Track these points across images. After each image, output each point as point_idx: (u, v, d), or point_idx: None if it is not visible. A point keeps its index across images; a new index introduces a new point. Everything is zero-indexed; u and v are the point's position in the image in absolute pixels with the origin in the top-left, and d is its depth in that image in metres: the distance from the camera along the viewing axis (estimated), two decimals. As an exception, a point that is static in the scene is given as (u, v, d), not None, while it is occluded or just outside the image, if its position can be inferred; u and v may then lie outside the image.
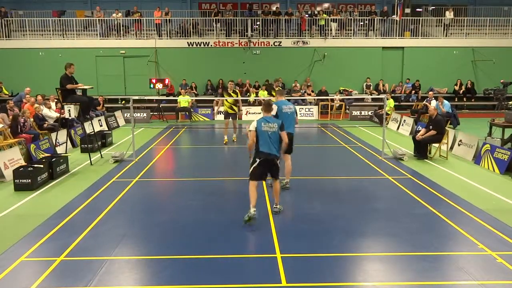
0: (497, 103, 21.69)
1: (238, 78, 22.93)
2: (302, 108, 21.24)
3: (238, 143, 13.91)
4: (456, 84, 22.98)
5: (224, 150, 13.25)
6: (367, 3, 26.19)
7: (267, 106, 7.01)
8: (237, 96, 13.36)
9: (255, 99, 21.31)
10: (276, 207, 7.11)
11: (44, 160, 9.75)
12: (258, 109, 20.95)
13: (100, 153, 12.05)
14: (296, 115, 8.67)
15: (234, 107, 13.44)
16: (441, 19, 24.14)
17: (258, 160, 6.73)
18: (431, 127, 11.40)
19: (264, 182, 8.62)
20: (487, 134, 13.14)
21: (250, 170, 6.82)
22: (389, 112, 17.76)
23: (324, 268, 5.26)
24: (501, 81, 21.74)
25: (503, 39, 23.82)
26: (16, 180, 8.66)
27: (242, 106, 20.74)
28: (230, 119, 13.60)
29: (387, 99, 15.90)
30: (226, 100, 13.23)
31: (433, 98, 18.04)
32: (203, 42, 23.12)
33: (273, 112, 8.20)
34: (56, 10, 24.11)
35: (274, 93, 11.13)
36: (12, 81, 21.99)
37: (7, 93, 21.55)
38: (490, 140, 12.24)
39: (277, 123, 6.86)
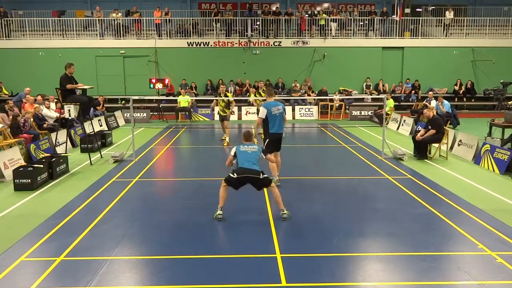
0: (497, 103, 21.69)
1: (238, 78, 22.96)
2: (302, 108, 21.26)
3: (239, 142, 13.92)
4: (456, 84, 22.99)
5: (224, 150, 13.24)
6: (367, 3, 26.19)
7: (247, 136, 7.30)
8: (228, 100, 13.59)
9: (255, 99, 21.30)
10: (284, 214, 6.89)
11: (44, 160, 9.75)
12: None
13: (100, 153, 12.05)
14: (285, 113, 8.64)
15: (226, 110, 13.72)
16: (441, 19, 24.16)
17: (235, 175, 6.74)
18: (429, 126, 11.42)
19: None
20: (487, 134, 13.14)
21: (227, 175, 6.86)
22: (389, 112, 17.76)
23: (324, 268, 5.26)
24: (501, 81, 21.74)
25: (503, 39, 23.83)
26: (16, 180, 8.65)
27: (242, 106, 20.86)
28: (223, 123, 13.91)
29: (387, 99, 15.90)
30: (219, 103, 13.57)
31: (433, 98, 18.05)
32: (203, 42, 23.12)
33: (262, 115, 8.36)
34: (56, 10, 24.11)
35: (263, 94, 11.21)
36: (12, 81, 22.00)
37: (7, 93, 21.55)
38: (490, 140, 12.25)
39: (258, 147, 7.08)
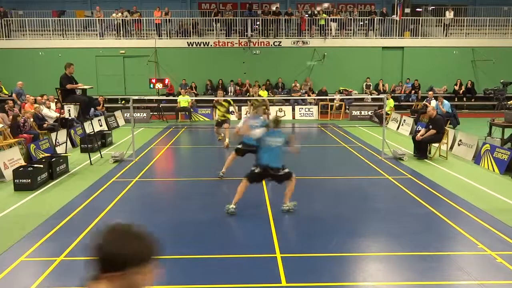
0: (497, 103, 21.67)
1: (238, 78, 22.95)
2: (302, 108, 21.26)
3: (239, 142, 13.93)
4: (456, 84, 22.97)
5: (224, 150, 13.24)
6: (367, 3, 26.18)
7: (276, 123, 7.04)
8: (229, 105, 13.43)
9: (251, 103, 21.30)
10: (285, 206, 7.05)
11: (44, 160, 9.75)
12: (258, 109, 20.93)
13: (100, 153, 12.04)
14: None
15: (227, 115, 13.41)
16: (441, 19, 24.15)
17: (258, 169, 6.86)
18: (430, 126, 11.41)
19: (264, 182, 8.63)
20: (487, 134, 13.14)
21: (249, 172, 6.96)
22: (389, 112, 17.76)
23: (324, 268, 5.26)
24: (501, 81, 21.73)
25: (503, 39, 23.82)
26: (16, 180, 8.65)
27: (242, 106, 20.82)
28: (222, 126, 13.46)
29: (387, 99, 15.90)
30: (218, 109, 13.39)
31: (433, 98, 18.05)
32: (203, 42, 23.11)
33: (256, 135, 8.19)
34: (56, 10, 24.11)
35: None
36: (12, 81, 21.89)
37: (6, 93, 21.52)
38: (490, 140, 12.25)
39: (282, 139, 6.91)
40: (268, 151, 6.81)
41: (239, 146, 8.79)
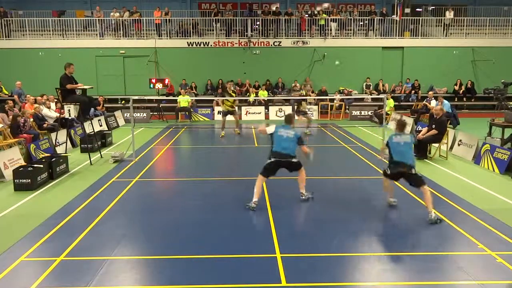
0: (497, 103, 21.66)
1: (238, 78, 22.96)
2: (302, 108, 21.26)
3: (239, 142, 13.97)
4: (456, 84, 22.97)
5: (224, 150, 13.25)
6: (367, 3, 26.18)
7: (288, 119, 7.68)
8: (236, 95, 14.18)
9: (255, 99, 21.33)
10: (303, 196, 7.72)
11: (44, 160, 9.75)
12: (258, 109, 20.99)
13: (100, 153, 12.05)
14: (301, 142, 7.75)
15: (234, 105, 14.76)
16: (441, 19, 24.14)
17: (270, 160, 7.32)
18: (433, 126, 11.38)
19: (264, 184, 8.63)
20: (487, 134, 13.14)
21: (263, 167, 7.38)
22: (389, 112, 17.76)
23: (324, 268, 5.26)
24: (502, 81, 21.71)
25: (503, 39, 23.81)
26: (16, 180, 8.66)
27: (242, 106, 20.91)
28: (230, 116, 14.73)
29: (387, 99, 15.91)
30: (227, 100, 14.02)
31: (433, 98, 18.05)
32: (203, 42, 23.11)
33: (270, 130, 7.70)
34: (56, 10, 24.10)
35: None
36: (12, 81, 21.89)
37: (7, 93, 21.53)
38: (490, 140, 12.25)
39: (294, 133, 7.41)
40: (281, 140, 7.29)
41: (271, 160, 7.44)
